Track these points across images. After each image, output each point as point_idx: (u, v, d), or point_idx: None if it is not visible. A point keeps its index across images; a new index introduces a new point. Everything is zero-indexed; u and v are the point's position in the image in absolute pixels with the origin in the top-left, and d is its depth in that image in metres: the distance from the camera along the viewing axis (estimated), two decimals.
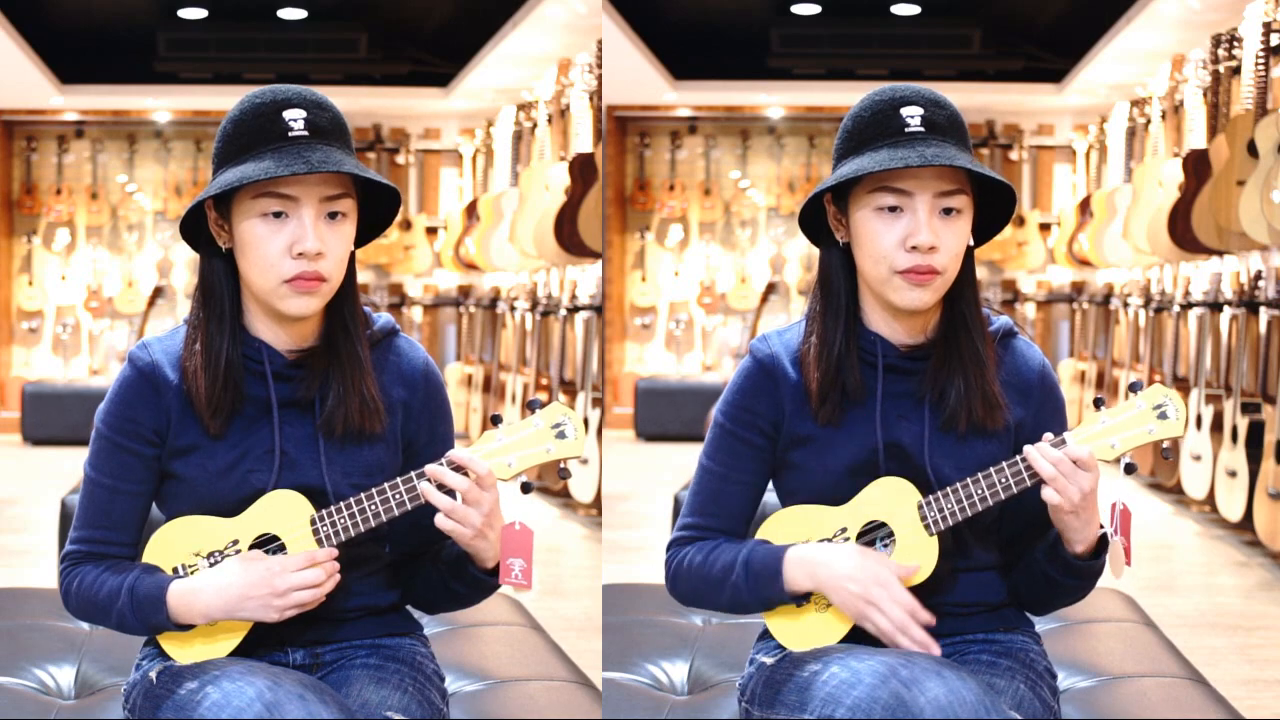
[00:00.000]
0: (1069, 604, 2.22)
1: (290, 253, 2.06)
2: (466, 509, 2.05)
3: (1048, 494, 2.04)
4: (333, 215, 2.08)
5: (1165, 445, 2.08)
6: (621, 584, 3.24)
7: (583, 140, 7.58)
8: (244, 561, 2.07)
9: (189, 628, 2.10)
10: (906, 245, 2.07)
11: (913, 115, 2.07)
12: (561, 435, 2.08)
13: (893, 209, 2.08)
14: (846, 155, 2.11)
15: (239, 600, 2.06)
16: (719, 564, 2.15)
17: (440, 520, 2.06)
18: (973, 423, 2.13)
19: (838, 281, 2.16)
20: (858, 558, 2.08)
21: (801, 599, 2.12)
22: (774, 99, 10.72)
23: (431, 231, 10.34)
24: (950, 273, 2.10)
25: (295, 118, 2.05)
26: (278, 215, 2.06)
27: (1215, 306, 7.11)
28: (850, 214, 2.12)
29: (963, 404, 2.12)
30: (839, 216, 2.15)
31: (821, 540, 2.13)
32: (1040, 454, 2.04)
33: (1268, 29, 6.23)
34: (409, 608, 2.30)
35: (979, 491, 2.07)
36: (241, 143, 2.06)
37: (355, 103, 9.75)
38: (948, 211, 2.08)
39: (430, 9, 9.01)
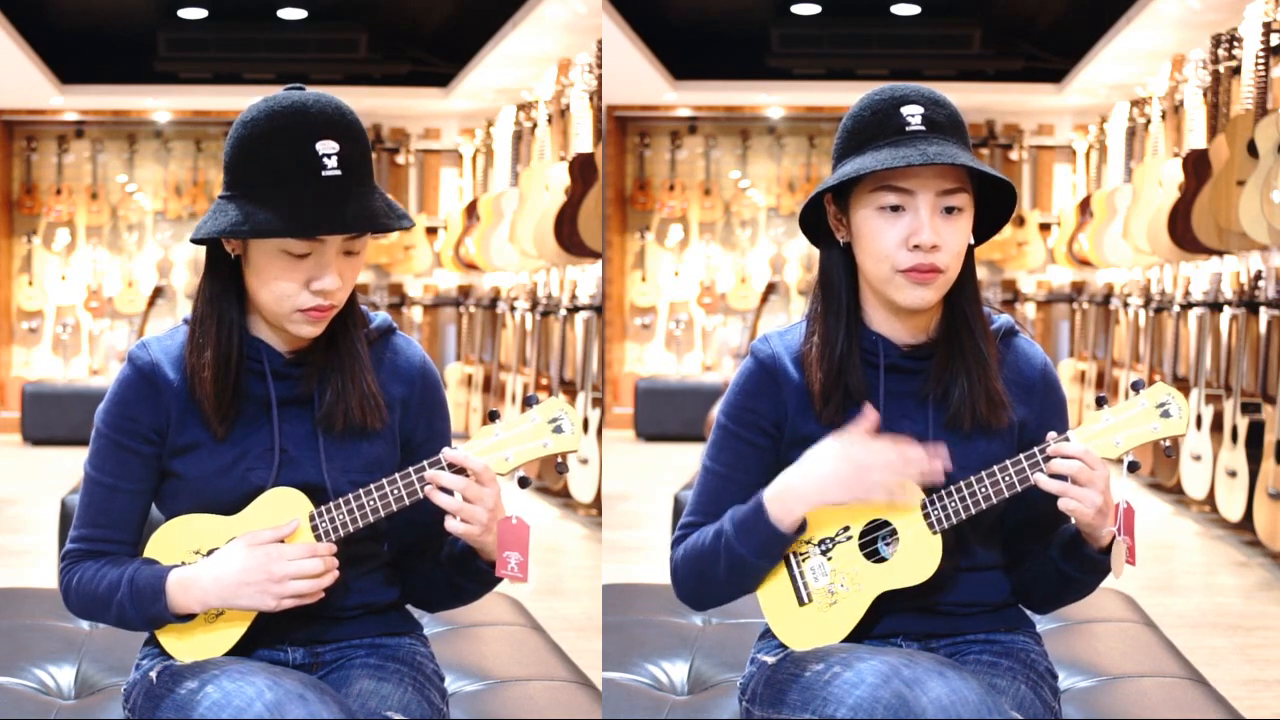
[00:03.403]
0: (1078, 599, 2.22)
1: (309, 287, 2.06)
2: (472, 507, 2.06)
3: (1066, 504, 2.04)
4: (348, 254, 2.08)
5: (1167, 444, 2.08)
6: (621, 584, 3.24)
7: (583, 140, 7.57)
8: (243, 548, 2.07)
9: (188, 619, 2.10)
10: (909, 244, 2.07)
11: (913, 114, 2.07)
12: (559, 430, 2.08)
13: (894, 208, 2.08)
14: (847, 155, 2.10)
15: (236, 587, 2.06)
16: (708, 535, 2.16)
17: (449, 522, 2.06)
18: (976, 421, 2.13)
19: (839, 281, 2.16)
20: (823, 453, 2.07)
21: (799, 531, 2.10)
22: (774, 99, 10.72)
23: (431, 231, 10.34)
24: (952, 271, 2.10)
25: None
26: (302, 257, 2.05)
27: (1215, 306, 7.11)
28: (851, 213, 2.12)
29: (966, 403, 2.12)
30: (839, 216, 2.15)
31: (823, 539, 2.13)
32: (1046, 480, 2.04)
33: (1268, 29, 6.23)
34: (409, 607, 2.30)
35: (983, 490, 2.07)
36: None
37: (355, 103, 9.61)
38: (949, 210, 2.08)
39: (430, 9, 9.01)
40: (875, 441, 2.06)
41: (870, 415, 2.08)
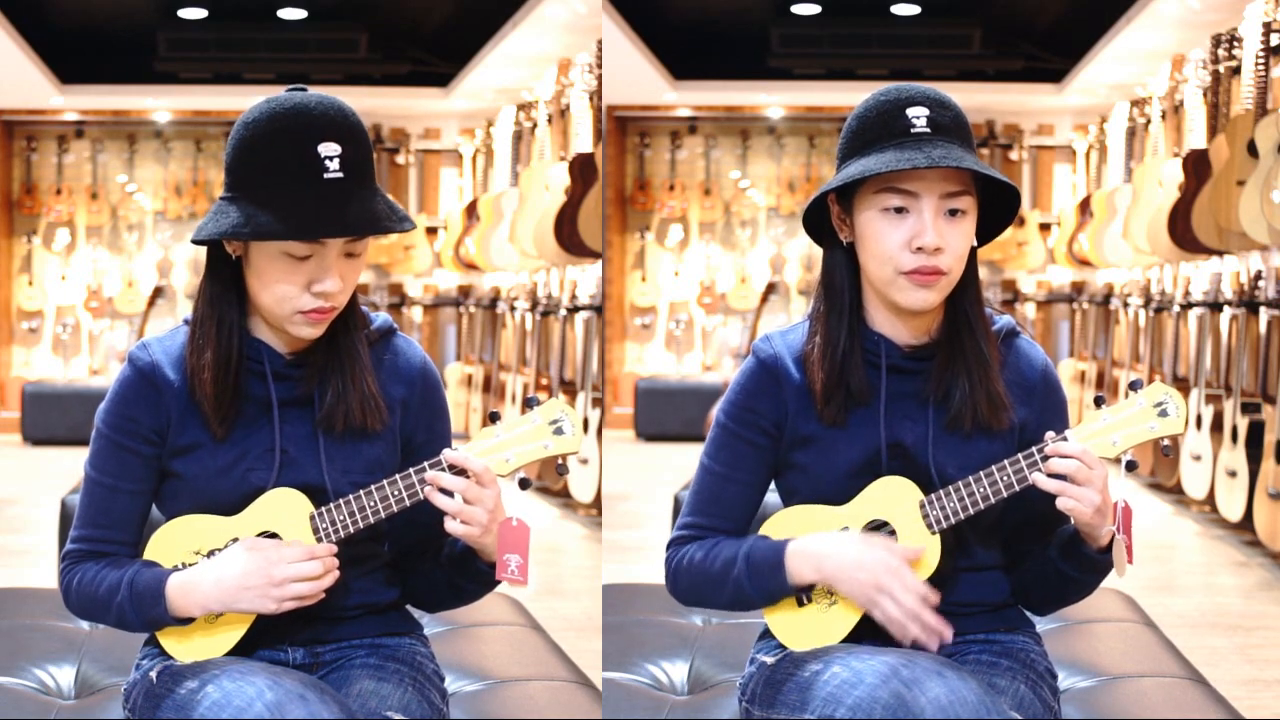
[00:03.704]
0: (1077, 600, 2.22)
1: (310, 289, 2.07)
2: (472, 509, 2.06)
3: (1064, 503, 2.04)
4: (349, 256, 2.09)
5: (1165, 443, 2.08)
6: (621, 584, 3.24)
7: (583, 140, 7.57)
8: (243, 551, 2.07)
9: (187, 622, 2.10)
10: (912, 246, 2.07)
11: (918, 116, 2.07)
12: (559, 431, 2.08)
13: (898, 210, 2.08)
14: (851, 155, 2.10)
15: (236, 590, 2.06)
16: (720, 560, 2.16)
17: (449, 524, 2.06)
18: (977, 422, 2.13)
19: (841, 281, 2.16)
20: (862, 545, 2.08)
21: (805, 592, 2.12)
22: (774, 99, 10.72)
23: (431, 231, 10.34)
24: (955, 273, 2.10)
25: None
26: (303, 259, 2.06)
27: (1215, 306, 7.11)
28: (855, 214, 2.12)
29: (967, 404, 2.12)
30: (843, 216, 2.15)
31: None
32: (1044, 480, 2.04)
33: (1268, 29, 6.23)
34: (409, 607, 2.30)
35: (981, 490, 2.07)
36: None
37: (355, 103, 9.60)
38: (953, 212, 2.08)
39: (430, 9, 9.01)
40: (909, 574, 2.06)
41: (933, 600, 2.07)
